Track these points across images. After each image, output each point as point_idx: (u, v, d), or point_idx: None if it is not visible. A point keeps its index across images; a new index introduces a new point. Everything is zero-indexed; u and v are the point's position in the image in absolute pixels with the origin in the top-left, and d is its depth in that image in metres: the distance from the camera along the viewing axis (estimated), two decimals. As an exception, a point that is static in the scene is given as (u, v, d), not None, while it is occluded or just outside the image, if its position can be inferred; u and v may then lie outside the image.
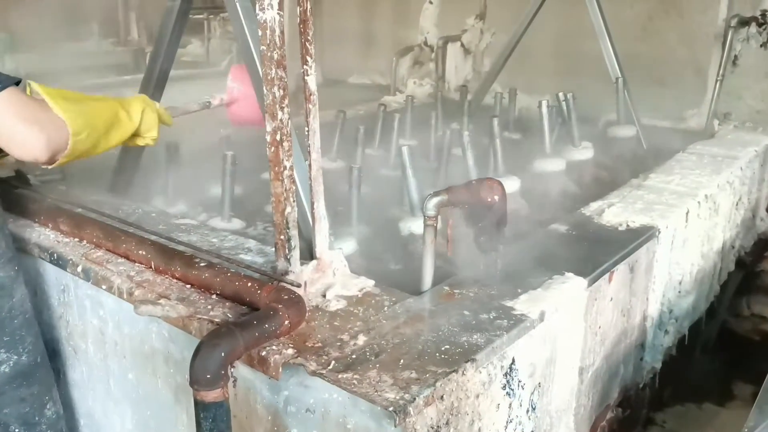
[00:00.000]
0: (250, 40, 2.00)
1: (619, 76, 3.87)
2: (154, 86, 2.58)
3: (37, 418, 1.99)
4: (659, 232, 2.41)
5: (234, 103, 2.50)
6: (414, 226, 2.51)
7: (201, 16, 6.78)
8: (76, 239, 2.12)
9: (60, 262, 2.04)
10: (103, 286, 1.90)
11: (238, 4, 2.02)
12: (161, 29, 2.56)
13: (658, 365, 2.73)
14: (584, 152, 3.54)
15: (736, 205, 3.31)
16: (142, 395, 1.98)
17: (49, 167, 1.80)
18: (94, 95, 2.01)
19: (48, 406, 2.02)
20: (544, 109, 3.37)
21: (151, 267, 1.90)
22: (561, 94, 3.60)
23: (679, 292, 2.78)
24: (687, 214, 2.64)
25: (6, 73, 1.64)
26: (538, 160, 3.37)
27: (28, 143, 1.66)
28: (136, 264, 1.93)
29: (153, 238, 1.98)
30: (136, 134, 2.07)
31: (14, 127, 1.63)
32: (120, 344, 1.99)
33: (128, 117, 2.01)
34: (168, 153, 2.80)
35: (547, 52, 4.61)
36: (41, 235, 2.17)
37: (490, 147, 3.13)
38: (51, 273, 2.15)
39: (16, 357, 1.91)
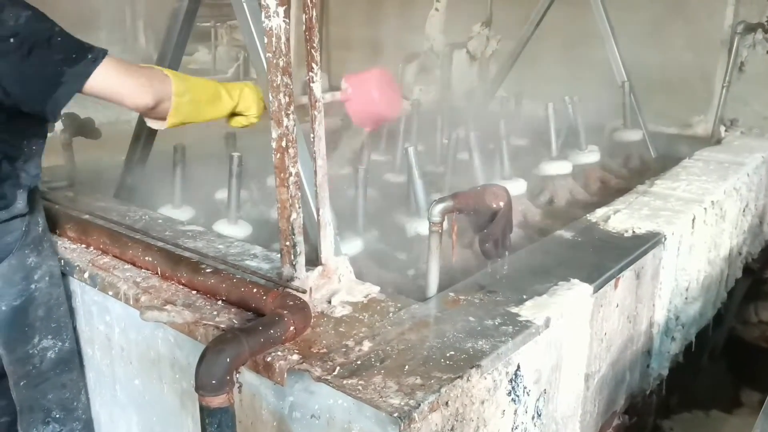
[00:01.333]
0: (259, 47, 2.02)
1: (625, 80, 3.87)
2: None
3: (75, 404, 2.09)
4: (665, 239, 2.40)
5: (350, 101, 2.45)
6: (420, 227, 2.51)
7: (208, 24, 6.82)
8: (83, 245, 2.13)
9: (67, 268, 2.05)
10: (110, 292, 1.90)
11: (247, 11, 2.04)
12: (168, 30, 2.57)
13: (665, 372, 2.71)
14: (590, 155, 3.53)
15: (743, 211, 3.30)
16: (148, 400, 1.98)
17: (161, 127, 1.93)
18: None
19: (83, 392, 2.13)
20: (550, 112, 3.37)
21: (157, 273, 1.91)
22: (567, 98, 3.60)
23: (686, 298, 2.77)
24: (693, 220, 2.63)
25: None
26: (545, 163, 3.36)
27: (136, 91, 1.80)
28: (143, 270, 1.94)
29: (159, 244, 1.99)
30: (237, 113, 2.11)
31: (124, 81, 1.79)
32: (126, 350, 2.00)
33: (228, 95, 2.05)
34: (175, 156, 2.81)
35: (554, 59, 4.61)
36: (49, 241, 2.18)
37: (497, 150, 3.14)
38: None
39: (60, 343, 2.02)
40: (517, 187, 2.95)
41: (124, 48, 6.74)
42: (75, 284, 2.09)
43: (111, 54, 1.81)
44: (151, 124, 1.97)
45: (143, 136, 2.72)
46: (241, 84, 2.13)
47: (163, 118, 1.90)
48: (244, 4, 2.05)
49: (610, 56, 3.98)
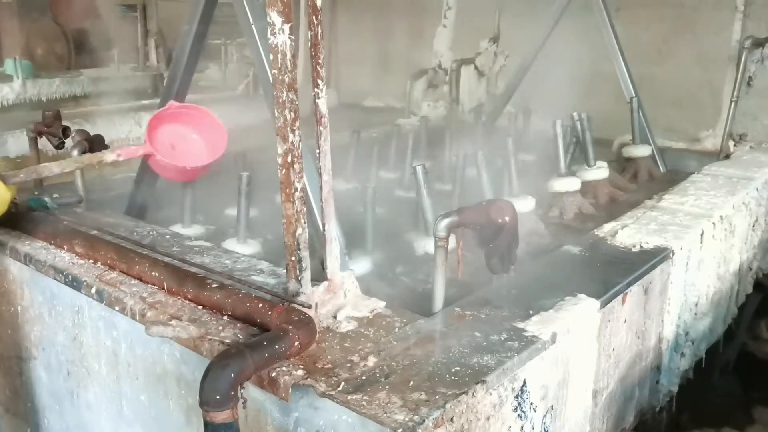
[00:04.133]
0: (266, 64, 2.04)
1: (633, 95, 3.87)
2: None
3: None
4: (673, 254, 2.39)
5: (152, 156, 2.48)
6: (429, 245, 2.50)
7: (218, 41, 6.88)
8: (91, 261, 2.14)
9: (74, 283, 2.06)
10: (117, 308, 1.91)
11: (254, 30, 2.06)
12: (178, 52, 2.60)
13: (675, 388, 2.69)
14: (599, 171, 3.52)
15: (753, 226, 3.28)
16: (154, 416, 1.98)
17: None
18: None
19: None
20: (558, 129, 3.37)
21: (163, 288, 1.91)
22: (575, 114, 3.60)
23: (696, 314, 2.74)
24: (702, 235, 2.62)
25: None
26: (553, 179, 3.36)
27: None
28: (149, 285, 1.95)
29: (166, 259, 2.00)
30: None
31: None
32: (133, 365, 2.00)
33: None
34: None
35: (562, 75, 4.62)
36: (56, 257, 2.19)
37: (505, 167, 3.13)
38: (66, 294, 2.17)
39: None
40: (526, 205, 2.94)
41: (136, 67, 6.80)
42: (82, 299, 2.09)
43: None
44: None
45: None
46: None
47: None
48: (252, 26, 2.08)
49: (618, 72, 3.99)
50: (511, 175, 3.10)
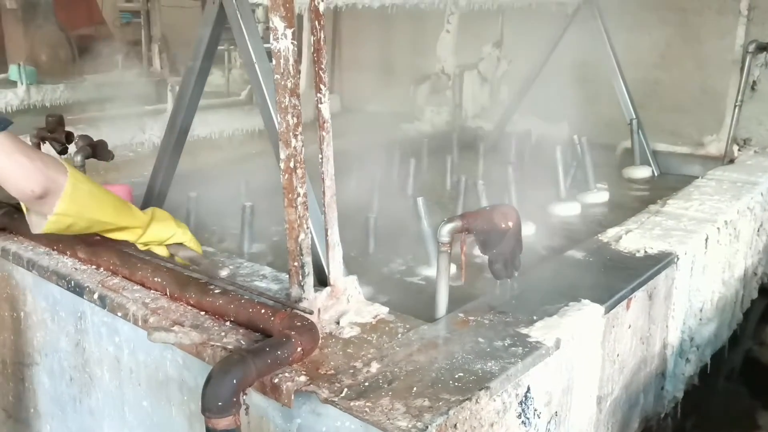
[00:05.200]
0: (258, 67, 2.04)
1: (633, 117, 3.93)
2: (174, 144, 2.63)
3: None
4: (678, 259, 2.38)
5: None
6: (432, 274, 2.48)
7: (222, 48, 6.90)
8: (93, 266, 2.14)
9: (77, 289, 2.06)
10: (119, 313, 1.91)
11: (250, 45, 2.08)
12: (182, 87, 2.58)
13: (680, 395, 2.67)
14: (600, 195, 3.53)
15: (758, 231, 3.26)
16: (156, 423, 1.97)
17: (40, 229, 1.73)
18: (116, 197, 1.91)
19: None
20: (558, 155, 3.39)
21: (166, 294, 1.91)
22: (575, 137, 3.65)
23: (700, 319, 2.73)
24: (706, 240, 2.60)
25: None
26: (554, 204, 3.37)
27: (26, 172, 1.62)
28: (152, 291, 1.94)
29: (169, 265, 1.99)
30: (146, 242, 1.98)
31: (16, 158, 1.61)
32: (135, 371, 1.99)
33: (136, 213, 1.92)
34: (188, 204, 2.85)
35: (564, 80, 4.61)
36: (59, 262, 2.19)
37: (505, 193, 3.13)
38: (68, 300, 2.16)
39: None
40: (526, 230, 2.93)
41: (140, 72, 6.82)
42: (85, 305, 2.09)
43: (11, 131, 1.64)
44: (32, 221, 1.76)
45: (161, 174, 2.71)
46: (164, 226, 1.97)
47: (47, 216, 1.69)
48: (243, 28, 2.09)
49: (618, 93, 4.06)
50: (511, 202, 3.08)
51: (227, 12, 2.25)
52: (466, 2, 4.03)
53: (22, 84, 5.63)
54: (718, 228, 2.70)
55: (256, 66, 2.17)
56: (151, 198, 2.70)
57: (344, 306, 1.77)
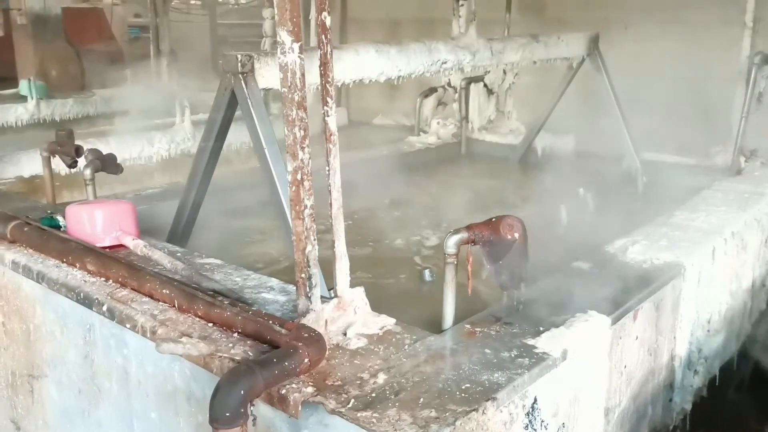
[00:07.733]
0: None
1: (638, 167, 4.04)
2: (185, 222, 2.72)
3: None
4: (685, 270, 2.37)
5: None
6: None
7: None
8: (102, 279, 2.15)
9: (86, 301, 2.07)
10: (128, 325, 1.92)
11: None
12: (194, 165, 2.66)
13: (689, 406, 2.66)
14: None
15: (765, 242, 3.25)
16: (165, 434, 1.98)
17: None
18: None
19: None
20: (564, 215, 3.41)
21: (174, 305, 1.92)
22: (581, 190, 3.70)
23: (708, 331, 2.72)
24: (713, 251, 2.60)
25: None
26: None
27: None
28: (160, 303, 1.95)
29: (177, 277, 2.00)
30: None
31: None
32: (143, 383, 2.00)
33: None
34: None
35: (571, 93, 4.63)
36: (68, 274, 2.20)
37: None
38: (77, 312, 2.18)
39: None
40: None
41: (148, 85, 6.87)
42: (94, 317, 2.10)
43: None
44: None
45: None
46: None
47: None
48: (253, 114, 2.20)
49: (624, 147, 4.12)
50: None
51: (238, 99, 2.34)
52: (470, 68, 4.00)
53: (32, 98, 5.69)
54: (725, 239, 2.70)
55: (266, 150, 2.25)
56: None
57: (351, 317, 1.78)
